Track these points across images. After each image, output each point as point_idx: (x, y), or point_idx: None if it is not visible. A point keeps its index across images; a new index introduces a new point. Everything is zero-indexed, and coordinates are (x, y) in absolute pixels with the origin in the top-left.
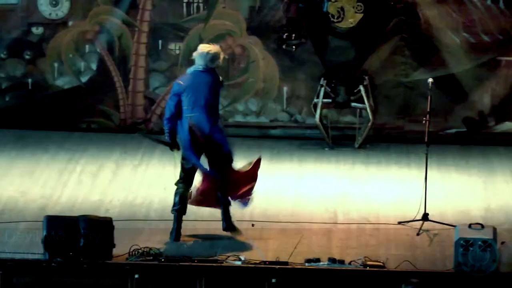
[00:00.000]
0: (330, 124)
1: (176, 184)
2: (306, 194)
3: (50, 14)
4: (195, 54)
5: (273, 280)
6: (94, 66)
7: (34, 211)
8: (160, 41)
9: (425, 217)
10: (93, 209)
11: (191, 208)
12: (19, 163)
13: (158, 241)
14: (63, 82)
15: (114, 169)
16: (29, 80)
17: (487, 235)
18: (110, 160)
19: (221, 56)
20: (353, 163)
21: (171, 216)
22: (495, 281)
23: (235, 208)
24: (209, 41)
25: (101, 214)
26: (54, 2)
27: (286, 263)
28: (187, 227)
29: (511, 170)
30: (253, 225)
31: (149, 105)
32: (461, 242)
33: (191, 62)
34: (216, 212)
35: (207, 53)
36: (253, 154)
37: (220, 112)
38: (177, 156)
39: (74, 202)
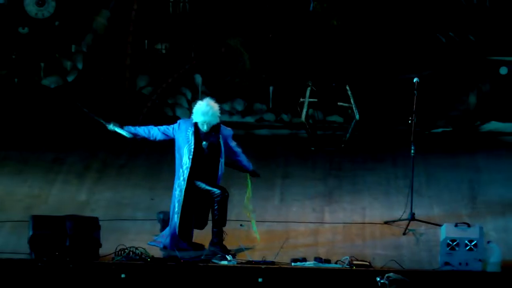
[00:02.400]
0: (316, 124)
1: None
2: (292, 193)
3: (36, 14)
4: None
5: (260, 280)
6: (80, 66)
7: (20, 210)
8: (146, 41)
9: (411, 216)
10: (80, 209)
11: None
12: (6, 163)
13: (145, 241)
14: (50, 81)
15: (100, 169)
16: (16, 80)
17: (473, 234)
18: (96, 160)
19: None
20: (338, 162)
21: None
22: (481, 280)
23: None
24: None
25: (88, 214)
26: (40, 2)
27: (272, 262)
28: None
29: (498, 169)
30: (241, 225)
31: (136, 104)
32: (447, 241)
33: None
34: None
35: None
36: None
37: None
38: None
39: (60, 202)
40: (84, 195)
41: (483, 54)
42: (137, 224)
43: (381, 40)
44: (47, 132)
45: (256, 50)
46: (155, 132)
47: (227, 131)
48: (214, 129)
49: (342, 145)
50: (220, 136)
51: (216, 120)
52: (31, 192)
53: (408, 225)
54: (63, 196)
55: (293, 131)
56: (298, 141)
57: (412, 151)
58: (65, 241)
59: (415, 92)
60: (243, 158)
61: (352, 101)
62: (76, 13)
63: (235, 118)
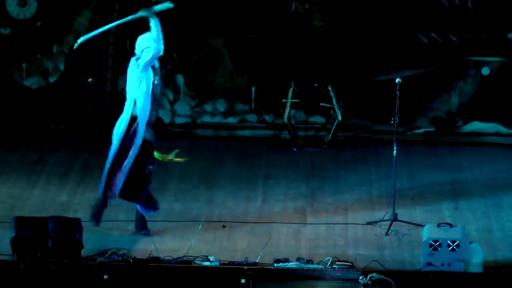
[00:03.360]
0: (298, 124)
1: None
2: (274, 194)
3: (18, 14)
4: None
5: (242, 281)
6: (62, 67)
7: (2, 212)
8: (127, 42)
9: (394, 217)
10: (62, 210)
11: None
12: None
13: (127, 242)
14: (31, 82)
15: (82, 170)
16: None
17: (455, 235)
18: (79, 161)
19: None
20: (321, 163)
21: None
22: (463, 281)
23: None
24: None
25: (70, 215)
26: (22, 3)
27: (254, 263)
28: (156, 227)
29: (480, 169)
30: (224, 226)
31: (118, 105)
32: (430, 242)
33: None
34: (187, 213)
35: None
36: (221, 155)
37: (188, 112)
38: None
39: (42, 203)
40: (66, 196)
41: (465, 55)
42: (119, 225)
43: (363, 41)
44: (29, 133)
45: (238, 51)
46: None
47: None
48: None
49: (325, 146)
50: None
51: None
52: (13, 193)
53: (390, 225)
54: (45, 197)
55: (276, 132)
56: (280, 142)
57: (394, 151)
58: (47, 242)
59: (397, 92)
60: None
61: (334, 101)
62: (58, 13)
63: (217, 119)
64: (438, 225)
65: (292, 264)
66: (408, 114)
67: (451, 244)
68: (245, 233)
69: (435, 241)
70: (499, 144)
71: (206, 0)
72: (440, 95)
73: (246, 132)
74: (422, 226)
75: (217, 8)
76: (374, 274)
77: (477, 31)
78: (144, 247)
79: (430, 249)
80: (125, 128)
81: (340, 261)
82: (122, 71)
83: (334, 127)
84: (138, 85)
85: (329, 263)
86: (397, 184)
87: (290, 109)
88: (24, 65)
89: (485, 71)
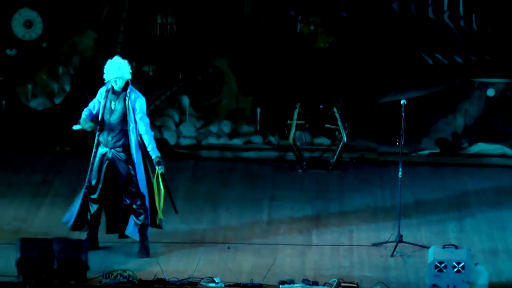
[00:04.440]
0: (303, 146)
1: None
2: (279, 215)
3: (23, 35)
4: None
5: None
6: (67, 88)
7: (7, 233)
8: (133, 63)
9: (399, 238)
10: (66, 231)
11: (164, 230)
12: None
13: (132, 263)
14: (37, 103)
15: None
16: (3, 102)
17: (461, 256)
18: (83, 182)
19: None
20: (326, 184)
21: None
22: None
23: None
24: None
25: (74, 236)
26: (27, 24)
27: (260, 285)
28: (161, 249)
29: (485, 191)
30: (229, 247)
31: None
32: (435, 263)
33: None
34: (192, 234)
35: None
36: (226, 176)
37: (194, 133)
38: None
39: (48, 225)
40: None
41: (470, 76)
42: (124, 247)
43: (368, 62)
44: (34, 155)
45: (243, 72)
46: (92, 106)
47: (136, 93)
48: (124, 88)
49: (330, 167)
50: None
51: (128, 76)
52: (18, 215)
53: (395, 247)
54: (50, 219)
55: (281, 153)
56: (285, 163)
57: (399, 173)
58: (52, 263)
59: (402, 114)
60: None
61: (339, 123)
62: (63, 35)
63: (222, 140)
64: (444, 247)
65: (297, 286)
66: (413, 136)
67: (456, 265)
68: (250, 255)
69: (441, 262)
70: (504, 165)
71: (211, 22)
72: (445, 116)
73: (251, 154)
74: (427, 247)
75: (222, 30)
76: None
77: (482, 53)
78: (150, 269)
79: (436, 271)
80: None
81: (345, 282)
82: None
83: (339, 148)
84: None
85: (334, 285)
86: (402, 206)
87: (296, 130)
88: (29, 86)
89: (490, 92)
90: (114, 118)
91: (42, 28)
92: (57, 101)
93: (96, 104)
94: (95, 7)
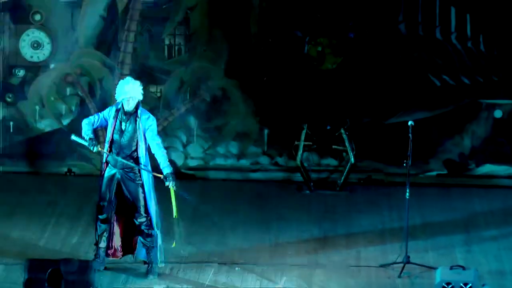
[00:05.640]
0: (311, 167)
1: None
2: (286, 236)
3: (31, 56)
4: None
5: None
6: (75, 109)
7: (14, 254)
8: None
9: (406, 259)
10: (73, 252)
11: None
12: None
13: (140, 284)
14: (44, 125)
15: (93, 211)
16: (11, 123)
17: (468, 277)
18: (89, 202)
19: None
20: (333, 205)
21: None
22: None
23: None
24: (190, 84)
25: (81, 256)
26: (35, 45)
27: None
28: (168, 269)
29: (492, 212)
30: (237, 269)
31: None
32: (443, 284)
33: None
34: (199, 255)
35: None
36: (233, 197)
37: (201, 154)
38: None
39: (54, 245)
40: (77, 238)
41: (477, 97)
42: (132, 268)
43: (375, 83)
44: (41, 175)
45: (250, 93)
46: (94, 120)
47: (146, 114)
48: (135, 109)
49: (337, 188)
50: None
51: (139, 97)
52: (25, 235)
53: (403, 268)
54: (56, 239)
55: (288, 174)
56: (293, 185)
57: (407, 194)
58: (60, 284)
59: (410, 135)
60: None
61: (347, 144)
62: (71, 56)
63: (230, 162)
64: (451, 268)
65: None
66: (420, 157)
67: (464, 286)
68: (257, 276)
69: (448, 283)
70: (511, 186)
71: (218, 43)
72: (452, 137)
73: (258, 175)
74: (435, 268)
75: (229, 51)
76: None
77: (489, 74)
78: None
79: None
80: None
81: None
82: None
83: (346, 169)
84: None
85: None
86: (409, 227)
87: (303, 151)
88: (37, 107)
89: (498, 113)
90: (124, 139)
91: (50, 49)
92: (65, 122)
93: (97, 119)
94: (102, 28)
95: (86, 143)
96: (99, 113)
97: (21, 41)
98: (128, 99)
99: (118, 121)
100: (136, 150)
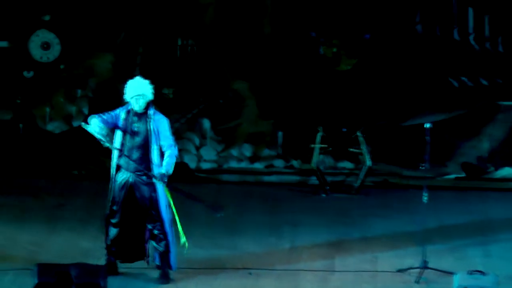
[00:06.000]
0: (326, 170)
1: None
2: (301, 241)
3: (41, 57)
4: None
5: None
6: (85, 111)
7: (23, 258)
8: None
9: (424, 264)
10: (83, 256)
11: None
12: (8, 209)
13: None
14: (54, 126)
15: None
16: (20, 125)
17: (487, 282)
18: (100, 206)
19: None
20: (349, 209)
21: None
22: None
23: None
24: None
25: (91, 261)
26: (45, 46)
27: None
28: (179, 275)
29: (511, 215)
30: (250, 273)
31: None
32: None
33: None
34: (212, 260)
35: None
36: (247, 201)
37: (215, 157)
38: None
39: (64, 249)
40: (87, 242)
41: (495, 99)
42: (144, 273)
43: (392, 85)
44: (51, 178)
45: (263, 95)
46: (108, 118)
47: (159, 115)
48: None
49: (353, 192)
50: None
51: (150, 96)
52: (34, 239)
53: (420, 273)
54: (66, 244)
55: (303, 178)
56: (308, 188)
57: (424, 197)
58: None
59: (427, 138)
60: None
61: (363, 146)
62: (81, 57)
63: (244, 164)
64: (469, 273)
65: None
66: (437, 160)
67: None
68: (272, 280)
69: None
70: None
71: (231, 45)
72: (470, 140)
73: (273, 178)
74: (453, 273)
75: (242, 52)
76: None
77: (507, 75)
78: None
79: None
80: None
81: None
82: None
83: (363, 172)
84: None
85: None
86: (426, 231)
87: (318, 154)
88: (47, 109)
89: None
90: (137, 140)
91: (60, 50)
92: (75, 124)
93: (108, 117)
94: (113, 29)
95: (99, 137)
96: (109, 112)
97: (30, 42)
98: (138, 98)
99: (129, 122)
100: (148, 151)
